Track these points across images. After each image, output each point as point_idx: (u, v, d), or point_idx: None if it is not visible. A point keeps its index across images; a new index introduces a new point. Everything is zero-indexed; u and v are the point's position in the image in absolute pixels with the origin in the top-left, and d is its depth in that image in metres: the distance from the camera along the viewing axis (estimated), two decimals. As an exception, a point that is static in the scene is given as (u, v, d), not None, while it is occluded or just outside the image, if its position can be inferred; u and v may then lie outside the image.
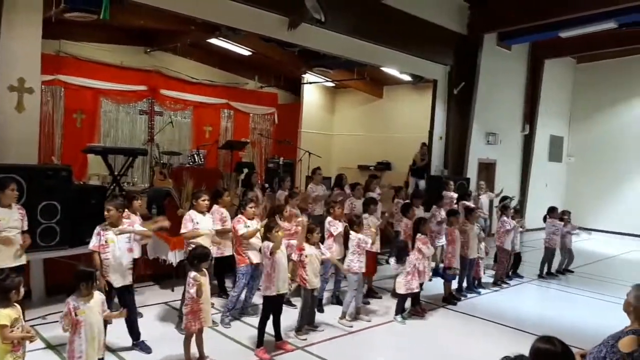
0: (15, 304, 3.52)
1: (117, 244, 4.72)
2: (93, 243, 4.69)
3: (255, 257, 5.82)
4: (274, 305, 5.13)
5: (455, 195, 9.71)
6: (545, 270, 9.36)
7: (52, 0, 7.39)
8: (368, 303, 6.93)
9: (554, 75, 15.57)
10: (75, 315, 3.70)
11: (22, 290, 3.57)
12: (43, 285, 6.12)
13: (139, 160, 11.25)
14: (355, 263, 6.09)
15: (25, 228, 5.06)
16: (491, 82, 12.82)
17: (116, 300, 4.92)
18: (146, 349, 4.96)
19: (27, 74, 6.18)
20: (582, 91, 16.83)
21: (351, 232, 6.15)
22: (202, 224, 5.59)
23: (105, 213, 4.76)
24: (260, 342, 5.06)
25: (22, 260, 5.00)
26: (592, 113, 16.60)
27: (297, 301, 5.99)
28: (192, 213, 5.60)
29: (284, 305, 5.45)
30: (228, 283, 6.92)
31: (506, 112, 14.10)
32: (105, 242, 4.68)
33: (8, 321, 3.37)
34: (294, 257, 5.46)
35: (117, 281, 4.73)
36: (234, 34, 9.85)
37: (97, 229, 4.75)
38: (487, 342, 5.74)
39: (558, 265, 9.67)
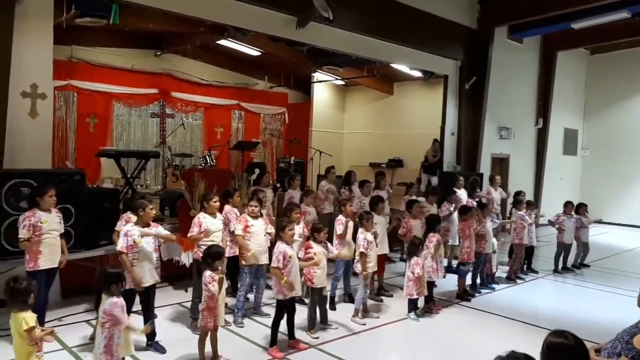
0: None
1: (144, 244, 4.84)
2: (121, 244, 4.79)
3: (258, 257, 5.84)
4: (286, 307, 5.15)
5: (464, 192, 9.56)
6: (561, 264, 9.26)
7: (63, 6, 7.51)
8: (381, 301, 6.92)
9: (567, 67, 15.37)
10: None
11: (34, 296, 3.66)
12: (59, 288, 6.20)
13: (152, 162, 11.36)
14: (368, 262, 6.04)
15: (62, 230, 5.24)
16: (503, 76, 12.69)
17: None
18: (161, 349, 5.00)
19: (39, 80, 6.25)
20: (596, 83, 16.59)
21: (360, 229, 6.13)
22: (211, 226, 5.62)
23: (141, 213, 4.90)
24: (273, 341, 5.08)
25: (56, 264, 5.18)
26: (607, 105, 16.36)
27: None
28: (201, 216, 5.64)
29: (297, 304, 5.47)
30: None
31: (519, 106, 13.95)
32: (134, 242, 4.80)
33: (34, 322, 3.51)
34: (300, 255, 5.47)
35: (146, 281, 4.86)
36: (243, 35, 9.87)
37: (125, 229, 4.87)
38: (502, 338, 5.68)
39: (574, 259, 9.56)
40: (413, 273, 6.10)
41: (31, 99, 6.18)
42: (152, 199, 7.92)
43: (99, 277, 3.95)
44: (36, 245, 4.92)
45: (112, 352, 3.77)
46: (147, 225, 4.94)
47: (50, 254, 5.02)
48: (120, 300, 3.85)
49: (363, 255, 6.01)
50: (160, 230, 5.09)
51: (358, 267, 6.12)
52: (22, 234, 4.85)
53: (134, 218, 5.40)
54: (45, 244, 4.97)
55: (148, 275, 4.89)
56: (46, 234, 4.98)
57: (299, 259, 5.40)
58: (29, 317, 3.50)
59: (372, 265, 6.12)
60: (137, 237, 4.81)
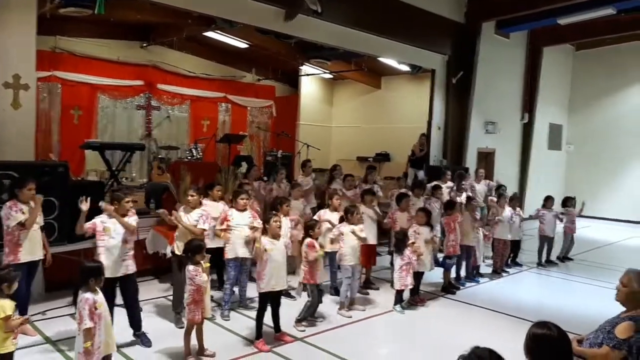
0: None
1: (112, 234, 4.79)
2: (88, 224, 4.74)
3: (240, 251, 5.82)
4: (269, 300, 5.14)
5: (450, 185, 9.62)
6: (545, 258, 9.38)
7: (46, -5, 7.38)
8: (367, 294, 6.95)
9: (552, 62, 15.51)
10: (96, 309, 3.73)
11: (15, 284, 3.66)
12: (42, 281, 6.13)
13: (137, 155, 11.23)
14: (348, 254, 6.07)
15: (41, 223, 5.16)
16: (490, 71, 12.76)
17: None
18: (147, 342, 4.98)
19: (22, 71, 6.16)
20: (581, 79, 16.77)
21: (344, 222, 6.14)
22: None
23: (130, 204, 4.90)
24: (259, 334, 5.08)
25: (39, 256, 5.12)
26: (591, 100, 16.55)
27: (300, 295, 5.98)
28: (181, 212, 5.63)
29: (283, 297, 5.47)
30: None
31: (505, 101, 14.06)
32: (103, 230, 4.77)
33: (11, 310, 3.52)
34: (311, 257, 5.44)
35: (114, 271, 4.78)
36: (230, 27, 9.79)
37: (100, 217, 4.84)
38: (486, 330, 5.75)
39: (560, 251, 9.69)
40: (403, 262, 6.16)
41: (13, 90, 6.09)
42: (138, 192, 7.84)
43: (78, 271, 3.85)
44: (16, 238, 4.85)
45: (91, 352, 3.69)
46: (124, 216, 4.88)
47: (30, 247, 4.96)
48: (92, 297, 3.71)
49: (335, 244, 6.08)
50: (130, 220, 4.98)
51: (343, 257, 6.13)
52: (18, 218, 4.79)
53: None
54: (25, 236, 4.90)
55: (117, 266, 4.80)
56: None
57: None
58: (6, 305, 3.52)
59: (349, 259, 6.08)
60: (107, 224, 4.78)
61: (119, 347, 4.86)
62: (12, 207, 4.83)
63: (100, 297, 3.81)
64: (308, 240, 5.53)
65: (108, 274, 4.53)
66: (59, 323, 5.36)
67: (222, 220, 5.84)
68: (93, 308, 3.71)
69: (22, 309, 4.45)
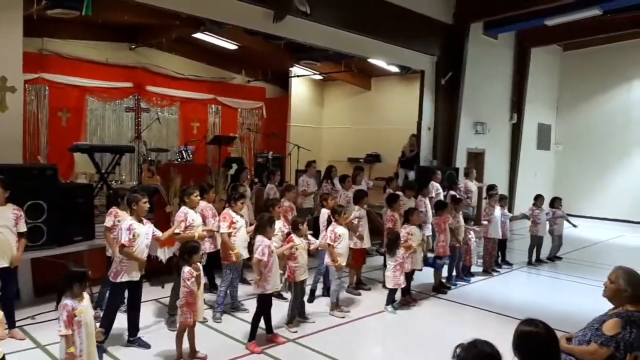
0: None
1: (142, 240, 4.82)
2: (124, 238, 4.71)
3: (241, 254, 5.81)
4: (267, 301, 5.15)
5: (439, 186, 9.67)
6: (534, 257, 9.45)
7: (33, -3, 7.31)
8: (359, 294, 6.96)
9: (540, 63, 15.64)
10: (75, 316, 3.63)
11: None
12: (31, 285, 6.07)
13: (127, 157, 11.17)
14: (340, 256, 6.05)
15: (22, 230, 5.00)
16: (478, 72, 12.84)
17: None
18: (145, 345, 4.97)
19: (8, 73, 6.09)
20: (569, 79, 16.94)
21: (333, 222, 6.15)
22: (195, 220, 5.58)
23: (134, 207, 4.88)
24: (252, 335, 5.07)
25: (6, 263, 4.88)
26: (579, 100, 16.72)
27: (288, 294, 6.00)
28: (185, 210, 5.56)
29: (274, 298, 5.46)
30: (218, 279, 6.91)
31: (494, 101, 14.15)
32: (133, 236, 4.75)
33: None
34: (283, 249, 5.46)
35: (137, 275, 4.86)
36: (219, 28, 9.76)
37: (127, 224, 4.79)
38: (477, 329, 5.75)
39: (549, 252, 9.77)
40: (396, 262, 6.19)
41: (0, 92, 6.02)
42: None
43: (63, 275, 3.75)
44: None
45: (75, 356, 3.60)
46: (141, 219, 4.89)
47: None
48: (72, 304, 3.61)
49: (330, 247, 6.02)
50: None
51: (327, 259, 6.14)
52: None
53: (122, 213, 5.34)
54: None
55: (137, 270, 4.86)
56: None
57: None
58: None
59: (341, 259, 6.09)
60: (137, 230, 4.77)
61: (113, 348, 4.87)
62: None
63: (82, 305, 3.68)
64: (291, 235, 5.55)
65: (131, 277, 4.76)
66: (48, 327, 5.29)
67: (230, 224, 5.77)
68: (72, 315, 3.61)
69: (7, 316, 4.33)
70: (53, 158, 10.43)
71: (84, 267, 4.05)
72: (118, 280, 4.79)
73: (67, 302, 3.62)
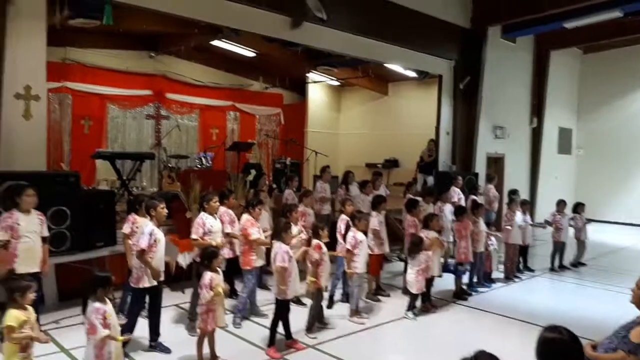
0: (28, 306, 3.60)
1: (161, 245, 4.86)
2: (144, 243, 4.73)
3: (260, 260, 5.85)
4: (286, 307, 5.15)
5: (459, 192, 9.57)
6: (557, 263, 9.29)
7: (56, 7, 7.48)
8: (378, 300, 6.92)
9: (560, 66, 15.44)
10: (105, 318, 3.71)
11: (29, 295, 3.60)
12: (55, 290, 6.17)
13: (147, 164, 11.30)
14: (355, 261, 6.04)
15: (46, 234, 5.06)
16: (497, 76, 12.73)
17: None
18: (166, 350, 5.01)
19: (33, 82, 6.22)
20: (590, 82, 16.67)
21: (351, 228, 6.13)
22: (214, 226, 5.63)
23: (153, 212, 4.89)
24: (272, 341, 5.07)
25: (37, 267, 4.94)
26: (600, 104, 16.44)
27: (307, 300, 5.99)
28: (203, 216, 5.62)
29: (294, 304, 5.47)
30: (238, 284, 6.94)
31: (513, 105, 14.00)
32: (155, 241, 4.78)
33: (15, 322, 3.44)
34: (316, 256, 5.45)
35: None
36: (237, 35, 9.87)
37: (149, 228, 4.80)
38: (499, 336, 5.70)
39: (573, 258, 9.60)
40: (419, 267, 6.15)
41: (25, 101, 6.15)
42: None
43: (88, 280, 3.83)
44: (11, 248, 4.69)
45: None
46: (160, 224, 4.93)
47: (27, 258, 4.74)
48: (103, 307, 3.70)
49: (349, 253, 5.99)
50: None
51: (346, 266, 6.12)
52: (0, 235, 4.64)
53: (140, 219, 5.39)
54: (21, 247, 4.73)
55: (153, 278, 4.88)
56: (23, 236, 4.74)
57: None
58: (12, 316, 3.46)
59: (361, 266, 6.06)
60: (158, 236, 4.81)
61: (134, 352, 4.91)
62: (4, 219, 4.69)
63: (109, 308, 3.77)
64: (315, 242, 5.53)
65: (152, 283, 4.80)
66: (72, 331, 5.38)
67: (263, 229, 5.90)
68: (105, 317, 3.69)
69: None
70: (76, 165, 10.63)
71: (108, 272, 4.13)
72: (140, 285, 4.83)
73: (97, 305, 3.70)
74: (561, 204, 9.37)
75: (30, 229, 4.82)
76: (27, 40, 6.14)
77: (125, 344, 4.10)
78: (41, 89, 6.34)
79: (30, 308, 3.63)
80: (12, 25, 5.95)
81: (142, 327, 5.00)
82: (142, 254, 4.74)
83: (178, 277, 7.00)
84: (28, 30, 6.15)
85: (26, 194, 4.79)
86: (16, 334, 3.44)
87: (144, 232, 4.82)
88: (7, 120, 5.94)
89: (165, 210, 5.00)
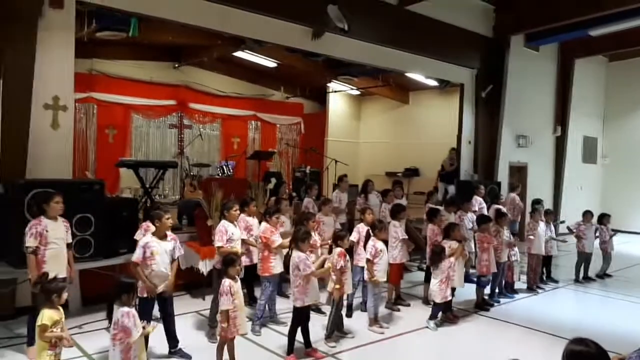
0: (59, 307, 3.80)
1: (160, 256, 4.85)
2: (136, 256, 4.78)
3: (279, 267, 5.87)
4: (304, 315, 5.15)
5: (482, 201, 9.46)
6: (582, 274, 9.10)
7: (83, 20, 7.69)
8: (398, 310, 6.87)
9: (585, 74, 15.20)
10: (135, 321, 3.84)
11: (64, 295, 3.82)
12: (79, 295, 6.29)
13: (170, 172, 11.49)
14: (380, 271, 6.00)
15: (70, 241, 5.15)
16: (520, 84, 12.60)
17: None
18: (186, 356, 5.05)
19: (61, 93, 6.39)
20: (616, 90, 16.36)
21: (372, 237, 6.11)
22: (235, 234, 5.68)
23: (157, 223, 4.94)
24: (290, 349, 5.07)
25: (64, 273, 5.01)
26: (627, 112, 16.12)
27: (326, 308, 5.99)
28: (225, 224, 5.68)
29: (313, 312, 5.46)
30: (257, 292, 6.96)
31: (537, 114, 13.82)
32: (151, 254, 4.80)
33: (49, 321, 3.66)
34: (341, 263, 5.44)
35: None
36: (259, 46, 9.98)
37: (143, 241, 4.87)
38: (522, 348, 5.59)
39: (600, 269, 9.39)
40: (443, 276, 6.12)
41: (53, 111, 6.32)
42: (170, 208, 8.02)
43: (113, 286, 3.95)
44: (40, 254, 4.77)
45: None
46: (164, 235, 4.95)
47: (54, 264, 4.79)
48: (132, 311, 3.82)
49: (369, 262, 5.96)
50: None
51: (367, 275, 6.09)
52: (29, 242, 4.72)
53: (152, 227, 5.47)
54: (49, 253, 4.81)
55: (162, 285, 4.90)
56: (51, 243, 4.83)
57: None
58: (46, 315, 3.67)
59: (380, 274, 6.02)
60: (155, 248, 4.83)
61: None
62: (34, 226, 4.77)
63: (134, 312, 3.88)
64: (339, 249, 5.53)
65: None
66: (96, 336, 5.47)
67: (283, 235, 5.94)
68: (135, 319, 3.82)
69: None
70: (100, 173, 10.86)
71: (133, 279, 4.21)
72: (144, 294, 4.84)
73: (125, 309, 3.80)
74: (587, 214, 9.20)
75: (57, 235, 4.92)
76: (57, 52, 6.32)
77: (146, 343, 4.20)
78: (69, 100, 6.50)
79: (61, 309, 3.82)
80: (43, 37, 6.13)
81: (162, 333, 5.04)
82: (134, 266, 4.78)
83: (198, 284, 7.08)
84: (57, 42, 6.33)
85: (54, 201, 4.90)
86: (48, 333, 3.65)
87: (138, 244, 4.87)
88: (36, 130, 6.09)
89: (171, 221, 5.04)
